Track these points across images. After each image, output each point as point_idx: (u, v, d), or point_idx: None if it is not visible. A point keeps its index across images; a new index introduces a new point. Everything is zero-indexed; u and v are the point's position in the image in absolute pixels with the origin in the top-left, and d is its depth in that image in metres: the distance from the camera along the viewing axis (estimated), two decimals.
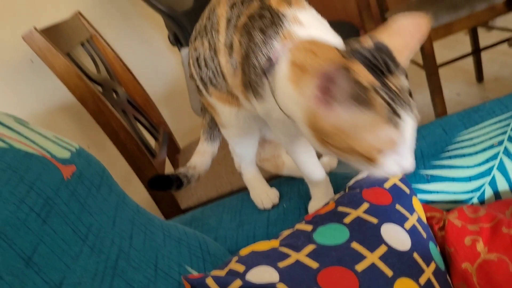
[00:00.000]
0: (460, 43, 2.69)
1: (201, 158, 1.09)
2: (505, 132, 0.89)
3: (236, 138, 0.98)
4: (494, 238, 0.76)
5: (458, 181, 0.89)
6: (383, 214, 0.75)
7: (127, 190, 0.80)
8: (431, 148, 0.93)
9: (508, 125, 0.90)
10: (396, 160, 0.64)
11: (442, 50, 2.28)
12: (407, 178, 0.85)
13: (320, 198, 0.91)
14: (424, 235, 0.76)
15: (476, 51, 2.46)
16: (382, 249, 0.69)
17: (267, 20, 0.71)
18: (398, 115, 0.60)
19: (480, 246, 0.76)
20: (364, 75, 0.59)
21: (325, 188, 0.93)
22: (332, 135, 0.62)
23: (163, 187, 1.05)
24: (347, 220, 0.73)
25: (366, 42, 0.63)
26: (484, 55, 2.51)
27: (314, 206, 0.93)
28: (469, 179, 0.88)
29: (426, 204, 0.90)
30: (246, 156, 1.04)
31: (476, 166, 0.88)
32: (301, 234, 0.72)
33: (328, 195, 0.93)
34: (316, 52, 0.63)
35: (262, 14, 0.72)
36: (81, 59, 1.48)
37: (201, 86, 0.91)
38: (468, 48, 2.47)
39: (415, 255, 0.70)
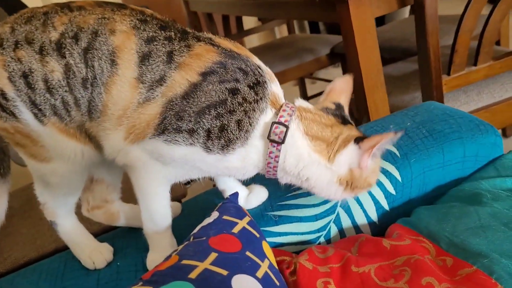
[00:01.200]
0: (290, 93, 2.88)
1: None
2: None
3: (58, 178, 0.80)
4: (344, 278, 0.73)
5: (305, 220, 0.86)
6: (233, 264, 0.66)
7: None
8: (278, 189, 0.89)
9: None
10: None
11: None
12: (256, 221, 0.78)
13: (161, 250, 0.79)
14: (277, 282, 0.69)
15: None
16: None
17: (251, 75, 0.73)
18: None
19: None
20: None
21: (168, 237, 0.81)
22: (361, 179, 0.77)
23: None
24: (193, 275, 0.62)
25: (332, 104, 0.81)
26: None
27: (153, 260, 0.80)
28: (315, 218, 0.86)
29: (274, 248, 0.84)
30: (66, 203, 0.85)
31: (321, 205, 0.87)
32: None
33: (171, 246, 0.81)
34: (325, 124, 0.78)
35: (240, 66, 0.72)
36: None
37: (22, 109, 0.72)
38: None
39: None
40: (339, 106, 0.81)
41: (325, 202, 0.86)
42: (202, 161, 0.73)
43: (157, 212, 0.80)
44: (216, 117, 0.70)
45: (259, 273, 0.67)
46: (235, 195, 0.82)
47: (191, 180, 1.74)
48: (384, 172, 0.89)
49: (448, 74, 1.36)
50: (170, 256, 0.68)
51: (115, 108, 0.71)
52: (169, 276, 0.62)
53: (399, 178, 0.89)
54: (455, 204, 0.81)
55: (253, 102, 0.72)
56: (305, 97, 2.65)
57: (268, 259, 0.73)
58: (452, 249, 0.73)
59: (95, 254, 0.86)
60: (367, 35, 1.29)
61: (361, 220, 0.88)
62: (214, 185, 0.92)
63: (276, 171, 0.76)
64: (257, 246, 0.73)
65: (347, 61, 1.38)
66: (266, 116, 0.74)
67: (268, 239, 0.83)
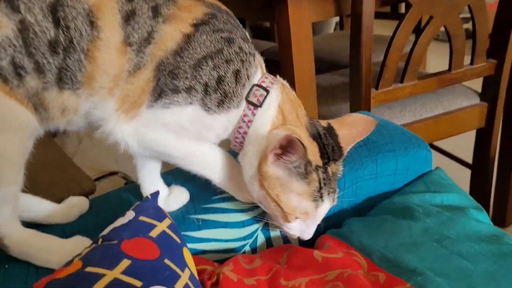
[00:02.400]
0: None
1: None
2: None
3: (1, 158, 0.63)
4: None
5: (231, 226, 0.78)
6: (149, 273, 0.56)
7: None
8: (204, 189, 0.80)
9: None
10: (301, 227, 0.74)
11: None
12: (177, 224, 0.69)
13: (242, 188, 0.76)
14: None
15: None
16: None
17: (240, 29, 0.70)
18: (321, 198, 0.71)
19: None
20: (315, 157, 0.70)
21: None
22: (270, 181, 0.70)
23: None
24: (99, 286, 0.51)
25: (323, 123, 0.76)
26: None
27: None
28: (242, 224, 0.79)
29: (195, 255, 0.75)
30: (8, 200, 0.67)
31: (249, 210, 0.79)
32: None
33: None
34: (298, 115, 0.73)
35: (229, 19, 0.69)
36: None
37: None
38: None
39: None
40: (327, 129, 0.74)
41: (254, 207, 0.79)
42: (201, 123, 0.69)
43: (209, 159, 0.75)
44: (213, 68, 0.66)
45: (179, 285, 0.58)
46: (156, 194, 0.72)
47: (102, 177, 1.57)
48: None
49: (377, 88, 1.37)
50: (71, 261, 0.56)
51: (104, 80, 0.64)
52: (68, 286, 0.51)
53: None
54: (387, 218, 0.79)
55: (249, 54, 0.69)
56: None
57: (189, 269, 0.64)
58: (384, 264, 0.70)
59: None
60: (304, 40, 1.25)
61: None
62: (126, 183, 0.81)
63: (244, 138, 0.72)
64: (178, 253, 0.64)
65: (281, 65, 1.34)
66: (256, 77, 0.72)
67: (189, 245, 0.74)
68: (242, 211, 0.79)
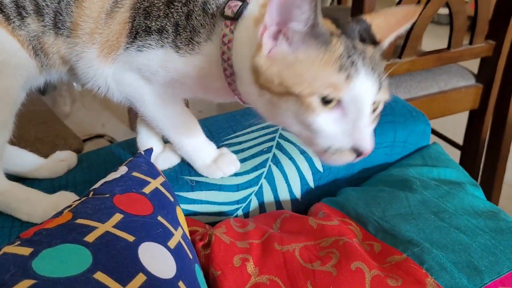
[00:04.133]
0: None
1: None
2: (273, 139, 0.82)
3: None
4: (265, 256, 0.65)
5: (224, 189, 0.76)
6: (142, 229, 0.54)
7: None
8: None
9: (276, 131, 0.83)
10: (347, 130, 0.53)
11: None
12: (170, 183, 0.66)
13: (206, 154, 0.75)
14: (190, 255, 0.59)
15: None
16: (139, 280, 0.48)
17: None
18: (353, 65, 0.52)
19: (251, 267, 0.63)
20: (329, 25, 0.56)
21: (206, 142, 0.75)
22: (274, 74, 0.53)
23: None
24: (90, 238, 0.49)
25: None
26: None
27: (204, 166, 0.75)
28: (237, 188, 0.76)
29: (187, 216, 0.73)
30: None
31: (244, 174, 0.77)
32: (12, 262, 0.44)
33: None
34: None
35: None
36: None
37: None
38: None
39: (181, 285, 0.52)
40: (351, 20, 0.58)
41: (249, 171, 0.77)
42: (175, 69, 0.63)
43: (177, 120, 0.71)
44: (184, 3, 0.61)
45: (171, 243, 0.56)
46: (150, 150, 0.69)
47: (88, 139, 1.52)
48: None
49: None
50: (61, 212, 0.54)
51: (86, 25, 0.63)
52: (57, 237, 0.49)
53: None
54: (384, 188, 0.77)
55: None
56: None
57: (182, 228, 0.62)
58: (380, 234, 0.69)
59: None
60: None
61: (284, 195, 0.81)
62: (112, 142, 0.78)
63: (232, 66, 0.59)
64: (171, 211, 0.62)
65: None
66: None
67: (182, 206, 0.72)
68: (236, 174, 0.77)
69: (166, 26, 0.62)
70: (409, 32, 1.33)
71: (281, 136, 0.83)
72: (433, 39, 2.01)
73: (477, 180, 1.66)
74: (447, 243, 0.63)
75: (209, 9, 0.60)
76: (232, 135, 0.83)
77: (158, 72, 0.65)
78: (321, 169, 0.82)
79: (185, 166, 0.77)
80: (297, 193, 0.81)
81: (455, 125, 1.71)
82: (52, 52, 0.65)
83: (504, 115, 1.57)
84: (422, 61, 1.41)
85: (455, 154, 1.66)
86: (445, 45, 1.41)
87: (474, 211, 0.70)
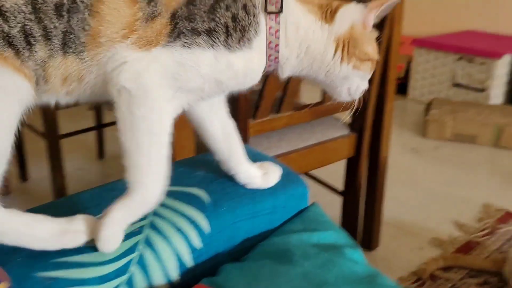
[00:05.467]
0: (84, 118, 2.59)
1: None
2: (146, 217, 0.75)
3: None
4: None
5: (88, 284, 0.66)
6: None
7: None
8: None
9: None
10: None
11: (66, 123, 2.10)
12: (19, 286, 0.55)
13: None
14: None
15: (99, 127, 2.40)
16: None
17: None
18: None
19: None
20: None
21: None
22: (361, 41, 0.73)
23: None
24: None
25: None
26: (106, 132, 2.49)
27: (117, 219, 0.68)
28: (101, 280, 0.67)
29: None
30: None
31: (110, 263, 0.68)
32: None
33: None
34: None
35: None
36: None
37: None
38: (91, 123, 2.39)
39: None
40: None
41: (115, 259, 0.69)
42: (227, 67, 0.67)
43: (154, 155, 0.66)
44: (226, 9, 0.66)
45: None
46: None
47: None
48: (191, 221, 0.77)
49: (254, 118, 1.35)
50: None
51: (111, 31, 0.61)
52: None
53: (207, 229, 0.78)
54: (266, 262, 0.74)
55: None
56: (100, 124, 2.39)
57: None
58: None
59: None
60: None
61: (159, 280, 0.73)
62: None
63: (278, 51, 0.71)
64: None
65: None
66: None
67: None
68: (101, 263, 0.68)
69: (216, 28, 0.65)
70: (285, 88, 1.37)
71: (156, 213, 0.76)
72: (312, 89, 2.12)
73: (357, 224, 1.73)
74: None
75: (250, 10, 0.68)
76: (98, 216, 0.74)
77: (198, 73, 0.66)
78: (199, 244, 0.77)
79: (41, 261, 0.66)
80: (174, 275, 0.74)
81: (336, 172, 1.78)
82: (55, 75, 0.62)
83: (376, 160, 1.68)
84: (299, 115, 1.46)
85: (337, 200, 1.73)
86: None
87: (353, 279, 0.70)
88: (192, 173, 0.88)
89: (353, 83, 0.76)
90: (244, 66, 0.69)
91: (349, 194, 1.71)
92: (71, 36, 0.60)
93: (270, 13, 0.69)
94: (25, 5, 0.58)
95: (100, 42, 0.61)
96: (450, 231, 1.86)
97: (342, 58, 0.73)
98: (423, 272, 1.59)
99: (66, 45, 0.61)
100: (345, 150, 1.60)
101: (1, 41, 0.57)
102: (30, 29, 0.58)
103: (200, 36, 0.65)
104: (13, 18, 0.57)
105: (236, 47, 0.67)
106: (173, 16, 0.64)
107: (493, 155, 2.59)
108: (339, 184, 1.74)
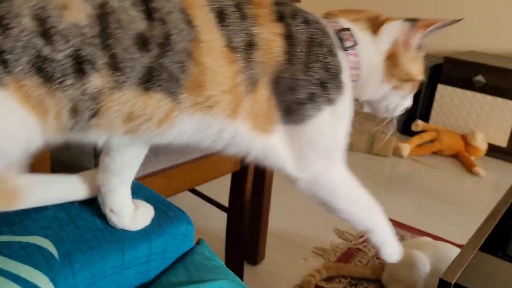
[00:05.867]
0: None
1: None
2: None
3: None
4: None
5: None
6: None
7: None
8: None
9: None
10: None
11: None
12: None
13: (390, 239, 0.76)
14: None
15: None
16: None
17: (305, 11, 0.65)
18: None
19: None
20: None
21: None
22: (403, 60, 0.70)
23: None
24: None
25: None
26: None
27: (391, 254, 0.76)
28: None
29: None
30: None
31: None
32: None
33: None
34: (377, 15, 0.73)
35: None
36: None
37: None
38: None
39: None
40: None
41: None
42: (342, 117, 0.67)
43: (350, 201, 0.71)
44: (316, 60, 0.62)
45: None
46: None
47: None
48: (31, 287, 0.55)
49: None
50: None
51: (217, 90, 0.56)
52: None
53: None
54: None
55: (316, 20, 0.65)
56: None
57: None
58: None
59: None
60: None
61: None
62: None
63: (357, 79, 0.70)
64: None
65: None
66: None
67: None
68: None
69: (314, 90, 0.62)
70: None
71: None
72: None
73: (243, 239, 1.63)
74: None
75: (332, 50, 0.64)
76: None
77: (331, 137, 0.66)
78: None
79: None
80: None
81: (221, 188, 1.66)
82: (118, 110, 0.53)
83: (263, 175, 1.61)
84: None
85: (222, 217, 1.60)
86: None
87: None
88: (38, 212, 0.66)
89: (393, 101, 0.75)
90: (348, 106, 0.67)
91: (234, 210, 1.60)
92: (164, 74, 0.53)
93: (346, 49, 0.67)
94: (89, 26, 0.49)
95: (205, 96, 0.55)
96: (332, 239, 1.86)
97: (387, 78, 0.71)
98: (307, 284, 1.56)
99: (152, 81, 0.53)
100: (230, 164, 1.50)
101: (28, 66, 0.47)
102: (88, 55, 0.49)
103: (306, 106, 0.62)
104: (63, 41, 0.48)
105: (337, 96, 0.65)
106: (272, 81, 0.60)
107: (368, 161, 2.70)
108: (224, 200, 1.62)
